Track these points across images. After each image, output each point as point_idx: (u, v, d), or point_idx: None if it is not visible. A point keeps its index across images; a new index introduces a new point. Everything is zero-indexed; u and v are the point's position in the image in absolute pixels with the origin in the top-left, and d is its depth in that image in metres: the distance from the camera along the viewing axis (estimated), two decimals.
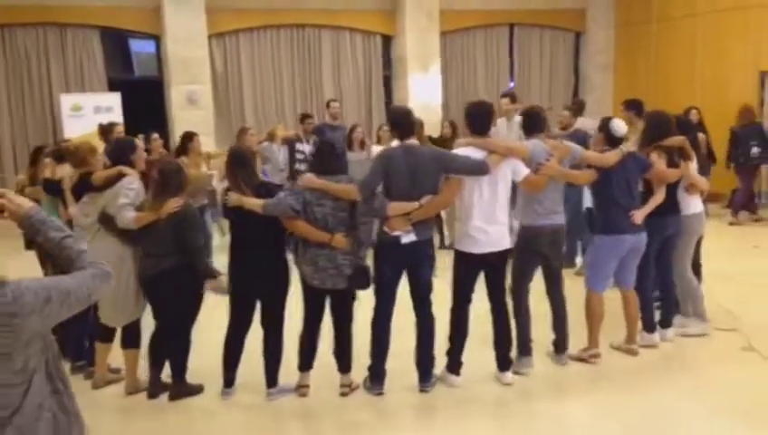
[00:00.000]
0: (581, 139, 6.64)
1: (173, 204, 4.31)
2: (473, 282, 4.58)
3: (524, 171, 4.50)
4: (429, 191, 4.32)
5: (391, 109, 4.70)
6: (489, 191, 4.40)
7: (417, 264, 4.42)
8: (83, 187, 4.69)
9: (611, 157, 4.73)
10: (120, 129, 7.30)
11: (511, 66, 12.69)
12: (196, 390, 4.62)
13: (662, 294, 5.28)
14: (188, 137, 7.49)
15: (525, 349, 4.79)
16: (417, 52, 11.55)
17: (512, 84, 12.64)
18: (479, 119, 4.54)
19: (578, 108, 7.98)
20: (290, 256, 4.51)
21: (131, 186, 4.49)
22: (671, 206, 5.06)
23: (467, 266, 4.54)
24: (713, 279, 5.77)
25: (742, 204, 9.73)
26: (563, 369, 4.89)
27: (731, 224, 9.60)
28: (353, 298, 4.46)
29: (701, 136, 8.28)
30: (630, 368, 4.90)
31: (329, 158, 4.38)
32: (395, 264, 4.41)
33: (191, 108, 10.31)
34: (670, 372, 4.84)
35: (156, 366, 4.61)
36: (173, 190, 4.37)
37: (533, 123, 4.84)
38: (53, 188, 5.24)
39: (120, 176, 4.54)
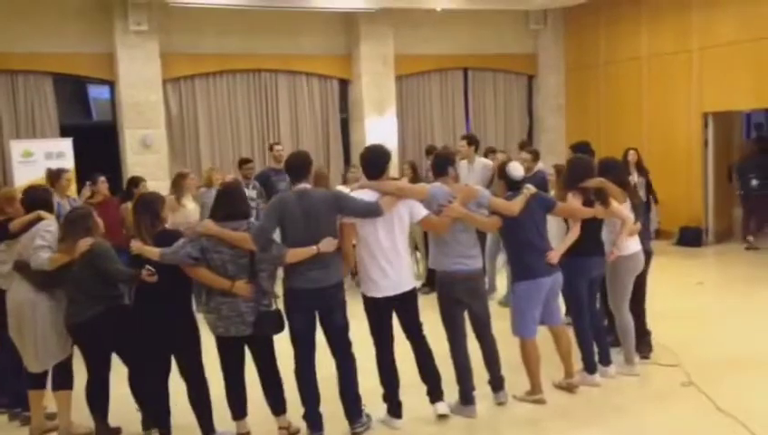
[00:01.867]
0: (542, 180, 6.68)
1: (83, 244, 4.30)
2: (386, 324, 4.57)
3: (422, 212, 4.52)
4: (327, 234, 4.31)
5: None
6: (385, 233, 4.42)
7: (328, 309, 4.40)
8: (1, 234, 4.68)
9: (517, 205, 4.71)
10: (69, 175, 7.25)
11: (466, 109, 12.91)
12: None
13: (595, 333, 5.31)
14: (133, 182, 7.51)
15: (467, 398, 4.75)
16: (373, 95, 11.71)
17: (468, 126, 12.83)
18: (373, 162, 4.59)
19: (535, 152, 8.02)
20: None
21: (48, 228, 4.51)
22: (594, 247, 5.10)
23: (375, 311, 4.54)
24: (657, 316, 5.86)
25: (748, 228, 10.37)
26: (506, 408, 4.88)
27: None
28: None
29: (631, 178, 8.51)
30: (572, 406, 4.93)
31: (229, 202, 4.33)
32: (304, 311, 4.37)
33: (145, 152, 10.27)
34: (611, 409, 4.88)
35: (98, 414, 4.53)
36: (80, 233, 4.36)
37: (439, 166, 4.85)
38: None
39: (38, 220, 4.56)
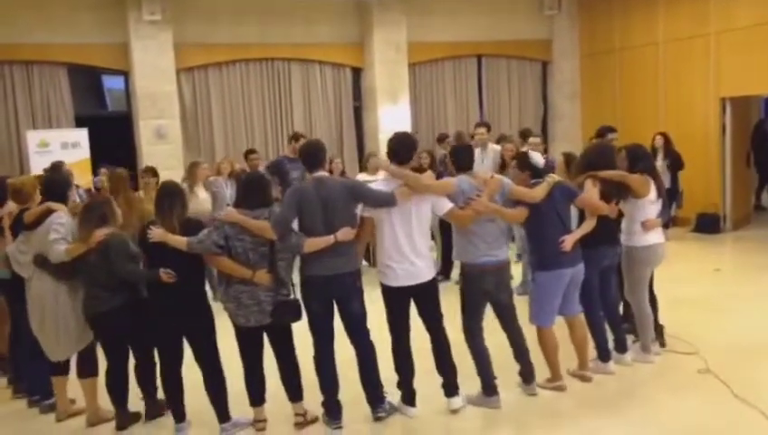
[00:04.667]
0: (553, 166, 6.64)
1: (99, 234, 4.32)
2: (403, 312, 4.55)
3: (447, 205, 4.48)
4: (345, 223, 4.32)
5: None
6: (402, 224, 4.40)
7: (345, 297, 4.40)
8: (19, 224, 4.71)
9: (540, 191, 4.68)
10: (66, 166, 7.29)
11: (480, 96, 12.83)
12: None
13: (609, 322, 5.29)
14: (144, 172, 7.63)
15: (490, 389, 4.72)
16: (386, 83, 11.65)
17: (482, 114, 12.76)
18: (402, 149, 4.56)
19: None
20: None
21: (60, 220, 4.51)
22: (606, 236, 5.03)
23: (392, 299, 4.53)
24: (674, 302, 5.81)
25: None
26: (522, 397, 4.87)
27: None
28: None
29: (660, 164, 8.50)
30: (589, 394, 4.92)
31: (251, 191, 4.34)
32: (321, 298, 4.38)
33: (159, 142, 10.31)
34: (628, 396, 4.87)
35: (117, 402, 4.59)
36: (95, 222, 4.38)
37: (462, 159, 4.80)
38: None
39: (50, 212, 4.55)
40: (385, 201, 4.36)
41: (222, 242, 4.18)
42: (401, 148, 4.55)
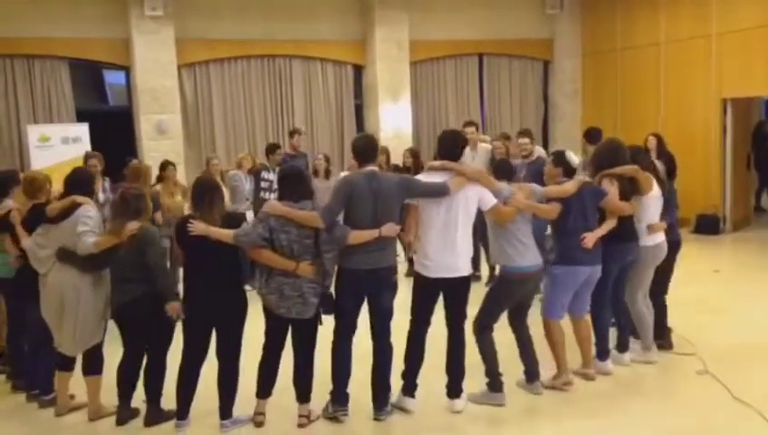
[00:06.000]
0: (542, 167, 6.72)
1: (131, 227, 4.33)
2: (429, 305, 4.57)
3: (493, 201, 4.53)
4: (391, 218, 4.35)
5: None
6: (448, 215, 4.42)
7: (378, 291, 4.43)
8: (36, 218, 4.69)
9: (570, 187, 4.80)
10: (94, 161, 7.30)
11: (481, 95, 12.84)
12: (172, 416, 4.55)
13: (616, 320, 5.32)
14: (162, 166, 7.60)
15: (496, 384, 4.73)
16: (387, 81, 11.67)
17: (483, 112, 12.76)
18: (452, 146, 4.63)
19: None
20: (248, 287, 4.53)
21: (88, 213, 4.52)
22: (629, 233, 5.08)
23: (423, 289, 4.55)
24: (673, 303, 5.80)
25: None
26: (522, 395, 4.87)
27: None
28: (319, 323, 4.43)
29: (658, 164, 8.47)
30: (588, 393, 4.92)
31: (293, 183, 4.38)
32: (356, 291, 4.41)
33: (160, 137, 10.32)
34: (627, 396, 4.88)
35: (125, 393, 4.61)
36: (131, 214, 4.40)
37: (504, 171, 4.94)
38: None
39: (75, 206, 4.55)
40: (439, 191, 4.39)
41: (267, 235, 4.21)
42: (450, 143, 4.63)
